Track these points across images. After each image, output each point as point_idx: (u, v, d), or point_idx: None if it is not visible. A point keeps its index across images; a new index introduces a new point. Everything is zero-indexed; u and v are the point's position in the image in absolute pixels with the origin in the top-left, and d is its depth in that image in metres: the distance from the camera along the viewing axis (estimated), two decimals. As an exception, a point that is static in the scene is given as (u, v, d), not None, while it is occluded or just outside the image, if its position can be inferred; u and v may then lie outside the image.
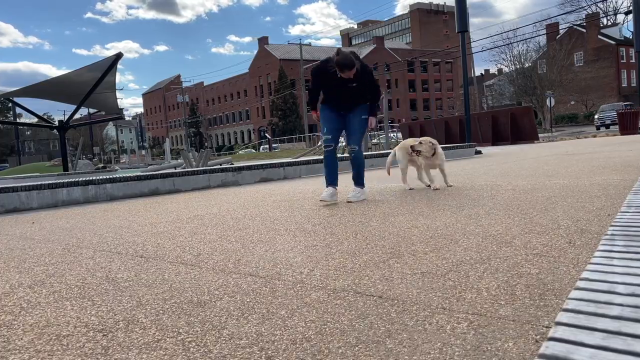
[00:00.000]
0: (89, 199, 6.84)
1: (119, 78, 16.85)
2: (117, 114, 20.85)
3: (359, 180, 4.65)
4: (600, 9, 58.31)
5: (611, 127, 28.31)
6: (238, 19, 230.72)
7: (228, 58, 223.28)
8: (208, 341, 1.50)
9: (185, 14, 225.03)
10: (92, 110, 31.50)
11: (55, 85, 16.76)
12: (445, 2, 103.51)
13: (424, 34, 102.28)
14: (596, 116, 32.81)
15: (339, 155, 4.79)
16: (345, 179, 5.23)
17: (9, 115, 54.95)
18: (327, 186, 4.53)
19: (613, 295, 1.54)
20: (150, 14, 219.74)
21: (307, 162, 9.50)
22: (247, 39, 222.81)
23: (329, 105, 4.52)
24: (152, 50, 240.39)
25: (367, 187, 4.84)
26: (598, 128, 30.73)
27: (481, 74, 77.58)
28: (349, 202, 4.42)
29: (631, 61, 49.57)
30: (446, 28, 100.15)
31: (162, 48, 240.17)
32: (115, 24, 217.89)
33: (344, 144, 21.17)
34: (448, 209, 3.61)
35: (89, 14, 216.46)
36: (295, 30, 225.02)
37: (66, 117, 19.19)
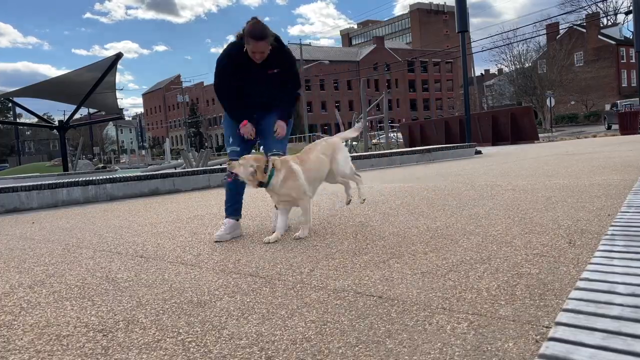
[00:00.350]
0: (89, 199, 6.84)
1: (118, 78, 16.82)
2: (117, 114, 20.85)
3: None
4: (600, 9, 58.34)
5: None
6: (237, 19, 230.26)
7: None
8: (208, 341, 1.50)
9: (184, 14, 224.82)
10: (92, 110, 31.50)
11: (55, 85, 16.76)
12: (445, 2, 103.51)
13: (424, 34, 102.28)
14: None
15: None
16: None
17: (9, 115, 54.94)
18: (226, 217, 3.27)
19: (613, 295, 1.54)
20: (149, 14, 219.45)
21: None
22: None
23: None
24: (151, 51, 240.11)
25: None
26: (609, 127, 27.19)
27: (481, 74, 77.54)
28: (297, 238, 3.00)
29: (631, 61, 49.56)
30: (446, 28, 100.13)
31: (161, 48, 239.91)
32: (114, 24, 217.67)
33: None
34: (448, 209, 3.61)
35: (88, 14, 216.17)
36: (294, 31, 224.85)
37: (66, 117, 19.19)
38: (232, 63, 3.20)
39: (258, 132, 3.37)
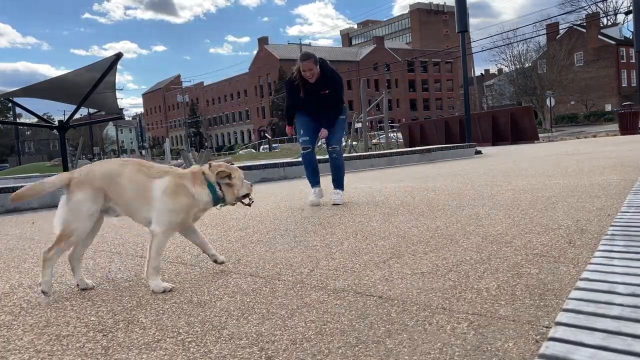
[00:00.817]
0: (89, 199, 6.84)
1: (117, 78, 16.79)
2: (117, 114, 20.83)
3: (340, 183, 4.61)
4: (600, 9, 58.35)
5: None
6: (236, 19, 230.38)
7: (226, 58, 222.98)
8: (208, 341, 1.50)
9: (183, 15, 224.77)
10: (92, 110, 31.48)
11: (55, 85, 16.74)
12: (445, 2, 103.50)
13: (424, 34, 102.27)
14: None
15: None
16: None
17: (9, 115, 54.92)
18: (312, 187, 4.61)
19: (613, 295, 1.54)
20: (148, 15, 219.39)
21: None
22: (245, 39, 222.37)
23: (303, 111, 4.57)
24: (150, 51, 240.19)
25: (346, 190, 4.79)
26: None
27: (481, 74, 77.51)
28: (335, 204, 4.38)
29: (631, 61, 49.56)
30: (446, 28, 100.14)
31: (160, 48, 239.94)
32: (113, 25, 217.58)
33: (343, 144, 21.16)
34: (448, 209, 3.61)
35: (87, 15, 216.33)
36: (293, 31, 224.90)
37: (66, 117, 19.17)
38: (292, 85, 4.43)
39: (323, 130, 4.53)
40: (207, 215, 4.44)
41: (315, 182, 4.61)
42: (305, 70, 4.23)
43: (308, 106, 4.48)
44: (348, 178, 7.60)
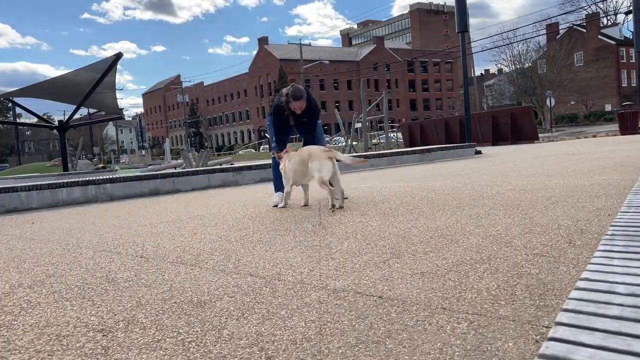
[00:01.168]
0: (89, 199, 6.84)
1: (117, 78, 16.78)
2: (117, 114, 20.86)
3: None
4: (600, 9, 58.35)
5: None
6: (234, 19, 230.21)
7: (226, 58, 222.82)
8: (208, 341, 1.50)
9: (181, 15, 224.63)
10: (92, 110, 31.50)
11: (55, 85, 16.76)
12: (445, 2, 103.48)
13: (424, 34, 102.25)
14: None
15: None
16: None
17: (9, 115, 54.93)
18: (276, 191, 4.98)
19: (613, 295, 1.54)
20: (147, 15, 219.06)
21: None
22: (245, 40, 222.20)
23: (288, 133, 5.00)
24: (149, 51, 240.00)
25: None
26: None
27: (481, 74, 77.51)
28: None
29: (631, 61, 49.56)
30: (446, 28, 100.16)
31: (159, 48, 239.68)
32: (112, 25, 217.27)
33: (342, 144, 21.16)
34: (448, 209, 3.61)
35: (86, 15, 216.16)
36: (292, 31, 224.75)
37: (66, 117, 19.20)
38: (280, 112, 4.66)
39: (304, 141, 4.94)
40: (208, 215, 4.45)
41: (282, 187, 4.99)
42: (297, 108, 4.56)
43: (291, 129, 4.94)
44: (348, 178, 7.61)
